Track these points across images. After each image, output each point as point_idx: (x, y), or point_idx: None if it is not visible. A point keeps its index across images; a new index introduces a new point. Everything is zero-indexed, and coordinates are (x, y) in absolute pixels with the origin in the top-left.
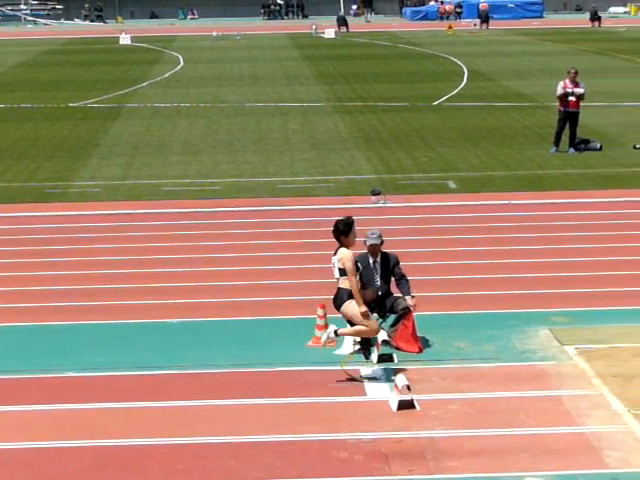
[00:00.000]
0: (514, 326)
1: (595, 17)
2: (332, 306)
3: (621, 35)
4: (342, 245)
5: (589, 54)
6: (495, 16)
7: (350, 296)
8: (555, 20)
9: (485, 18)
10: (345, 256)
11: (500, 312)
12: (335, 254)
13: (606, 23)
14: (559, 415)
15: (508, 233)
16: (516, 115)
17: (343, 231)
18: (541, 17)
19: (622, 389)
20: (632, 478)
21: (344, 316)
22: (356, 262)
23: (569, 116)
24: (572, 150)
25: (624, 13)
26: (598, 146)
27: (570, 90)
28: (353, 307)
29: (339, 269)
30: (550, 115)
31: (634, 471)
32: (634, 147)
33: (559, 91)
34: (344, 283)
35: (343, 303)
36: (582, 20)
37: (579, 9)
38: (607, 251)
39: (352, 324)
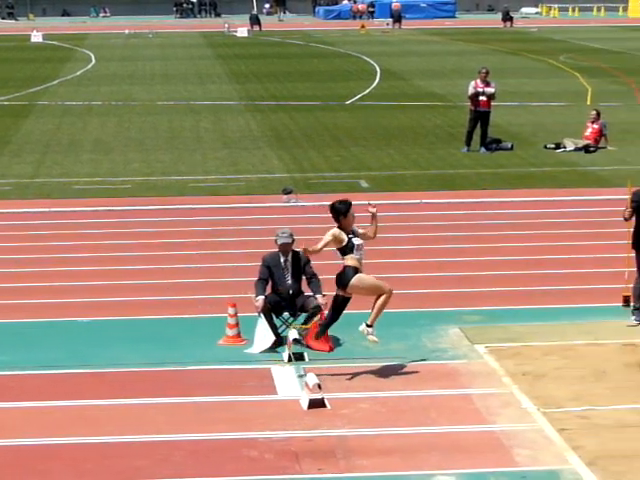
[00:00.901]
0: (424, 325)
1: (507, 17)
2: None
3: (533, 35)
4: (340, 226)
5: (501, 54)
6: (408, 16)
7: (355, 272)
8: (467, 20)
9: (398, 18)
10: (331, 231)
11: (410, 311)
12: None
13: (518, 23)
14: (469, 413)
15: (420, 232)
16: (428, 114)
17: (343, 212)
18: (453, 17)
19: (532, 387)
20: (541, 476)
21: (355, 291)
22: (340, 240)
23: (480, 116)
24: (483, 150)
25: (536, 14)
26: (509, 146)
27: (481, 90)
28: (363, 278)
29: (337, 249)
30: (462, 114)
31: (543, 469)
32: (545, 147)
33: (470, 91)
34: (350, 261)
35: (349, 280)
36: (494, 20)
37: (491, 9)
38: (517, 250)
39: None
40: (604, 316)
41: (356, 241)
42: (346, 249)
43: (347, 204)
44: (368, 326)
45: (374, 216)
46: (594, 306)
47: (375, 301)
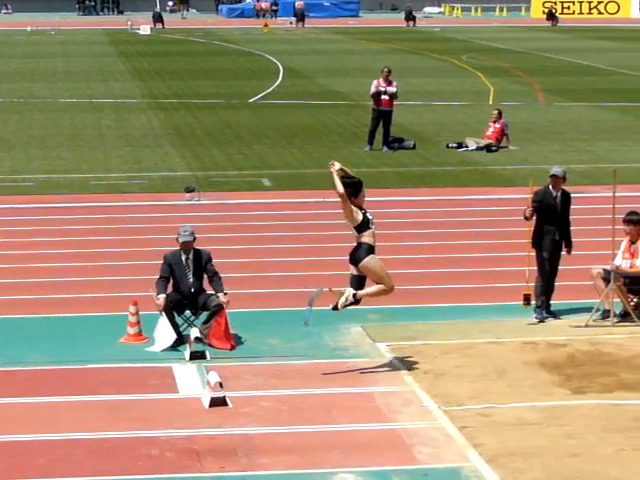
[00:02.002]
0: (327, 323)
1: (410, 17)
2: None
3: (436, 35)
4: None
5: (404, 53)
6: (311, 14)
7: (369, 252)
8: (371, 19)
9: (301, 16)
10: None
11: (314, 309)
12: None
13: (421, 23)
14: (371, 412)
15: (322, 231)
16: (331, 113)
17: (353, 192)
18: (357, 16)
19: (433, 385)
20: (442, 473)
21: (364, 271)
22: (356, 218)
23: (382, 115)
24: (386, 149)
25: (439, 13)
26: (412, 145)
27: (383, 89)
28: (375, 262)
29: (354, 227)
30: (364, 113)
31: (444, 466)
32: (447, 146)
33: (372, 90)
34: (366, 238)
35: (363, 258)
36: (397, 20)
37: (394, 9)
38: (419, 249)
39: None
40: (504, 315)
41: (369, 215)
42: (362, 226)
43: (359, 184)
44: (354, 296)
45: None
46: (495, 305)
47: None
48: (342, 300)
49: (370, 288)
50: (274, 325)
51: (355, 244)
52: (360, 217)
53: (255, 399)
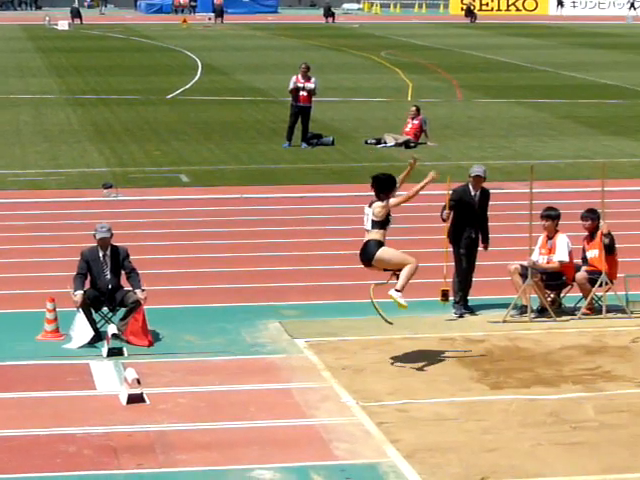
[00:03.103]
0: (244, 319)
1: (329, 13)
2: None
3: (354, 31)
4: (379, 200)
5: (323, 49)
6: (230, 10)
7: (379, 246)
8: (289, 15)
9: (220, 12)
10: (381, 205)
11: (230, 305)
12: (370, 206)
13: (340, 19)
14: (289, 408)
15: (240, 227)
16: (249, 109)
17: (389, 190)
18: (276, 12)
19: (351, 381)
20: (359, 469)
21: (379, 265)
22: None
23: (301, 111)
24: (304, 145)
25: (358, 10)
26: (330, 141)
27: (301, 85)
28: (387, 250)
29: (372, 221)
30: (283, 110)
31: (362, 462)
32: (366, 142)
33: (291, 86)
34: (373, 234)
35: (375, 252)
36: (316, 16)
37: (313, 5)
38: (336, 245)
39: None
40: (423, 310)
41: (390, 216)
42: (383, 223)
43: (394, 182)
44: (397, 291)
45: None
46: (412, 300)
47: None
48: (401, 302)
49: (402, 276)
50: (192, 321)
51: (364, 241)
52: (385, 214)
53: (173, 395)
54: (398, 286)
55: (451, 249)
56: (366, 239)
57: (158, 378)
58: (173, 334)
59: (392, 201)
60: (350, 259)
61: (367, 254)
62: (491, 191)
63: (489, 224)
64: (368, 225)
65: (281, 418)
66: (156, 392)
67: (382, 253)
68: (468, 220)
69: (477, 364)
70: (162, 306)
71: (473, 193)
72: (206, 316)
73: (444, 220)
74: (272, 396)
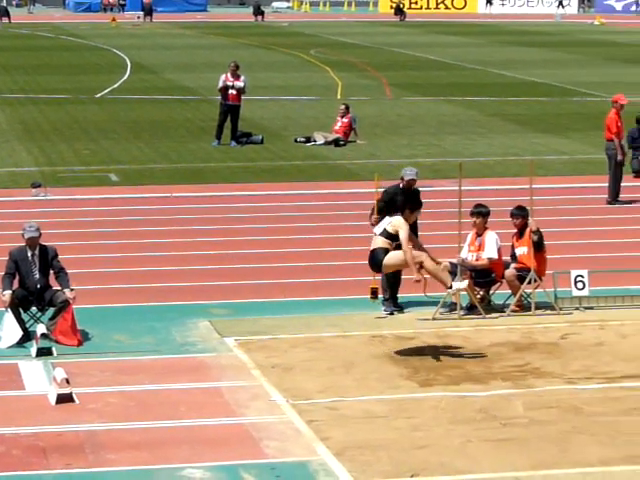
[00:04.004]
0: (174, 318)
1: (258, 11)
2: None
3: (284, 30)
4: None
5: (252, 48)
6: (159, 9)
7: (385, 253)
8: (219, 14)
9: (149, 11)
10: (401, 223)
11: (160, 304)
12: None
13: (269, 18)
14: (219, 407)
15: (169, 225)
16: (179, 108)
17: (415, 208)
18: (205, 11)
19: (281, 380)
20: (289, 467)
21: (392, 268)
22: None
23: (230, 109)
24: (234, 143)
25: (287, 8)
26: (260, 139)
27: (231, 83)
28: (393, 255)
29: (386, 230)
30: (212, 108)
31: (292, 460)
32: (295, 141)
33: (220, 84)
34: (379, 242)
35: (382, 260)
36: (246, 14)
37: (242, 3)
38: (266, 243)
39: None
40: (352, 308)
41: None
42: (394, 237)
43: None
44: (450, 287)
45: None
46: (342, 298)
47: (426, 272)
48: (462, 286)
49: (438, 277)
50: (121, 321)
51: (370, 249)
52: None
53: (102, 395)
54: (445, 285)
55: None
56: (372, 247)
57: (87, 378)
58: (102, 333)
59: (403, 234)
60: (281, 256)
61: (376, 263)
62: (420, 189)
63: (418, 222)
64: (378, 230)
65: (211, 417)
66: (85, 392)
67: (389, 259)
68: None
69: (407, 361)
70: (91, 305)
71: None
72: (136, 315)
73: (373, 226)
74: (202, 395)
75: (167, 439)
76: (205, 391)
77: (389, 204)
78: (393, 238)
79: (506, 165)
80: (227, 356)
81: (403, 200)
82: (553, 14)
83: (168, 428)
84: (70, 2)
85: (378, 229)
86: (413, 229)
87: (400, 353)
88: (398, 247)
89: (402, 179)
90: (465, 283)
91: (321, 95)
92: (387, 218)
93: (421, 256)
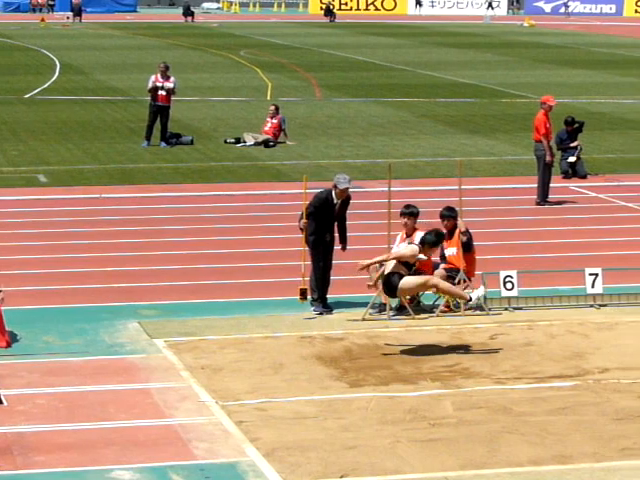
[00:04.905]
0: (103, 320)
1: (188, 12)
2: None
3: (214, 31)
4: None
5: (182, 49)
6: (88, 9)
7: (400, 278)
8: (149, 14)
9: (78, 11)
10: (414, 247)
11: (89, 306)
12: (407, 241)
13: (199, 18)
14: (148, 408)
15: (99, 227)
16: (108, 109)
17: (434, 242)
18: (135, 11)
19: (210, 381)
20: (218, 468)
21: (407, 292)
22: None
23: (160, 110)
24: (164, 144)
25: (217, 9)
26: (189, 140)
27: (160, 84)
28: (407, 279)
29: (402, 260)
30: (142, 109)
31: (221, 461)
32: (225, 141)
33: (150, 85)
34: (394, 267)
35: (397, 284)
36: (176, 15)
37: (172, 4)
38: (196, 244)
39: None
40: (282, 309)
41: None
42: (410, 265)
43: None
44: (470, 300)
45: None
46: (271, 299)
47: (442, 292)
48: (476, 295)
49: (453, 293)
50: (50, 322)
51: (385, 273)
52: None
53: (31, 397)
54: (464, 297)
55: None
56: (388, 271)
57: (16, 379)
58: (31, 335)
59: (404, 252)
60: (213, 257)
61: (391, 288)
62: (350, 190)
63: (347, 223)
64: (395, 248)
65: (140, 418)
66: (14, 393)
67: (404, 284)
68: (326, 225)
69: (337, 362)
70: (20, 307)
71: (335, 201)
72: (65, 317)
73: (302, 230)
74: (131, 396)
75: (96, 440)
76: (134, 392)
77: (319, 209)
78: (408, 266)
79: (435, 166)
80: (156, 357)
81: (335, 207)
82: (482, 16)
83: (97, 429)
84: None
85: (396, 247)
86: (341, 225)
87: (330, 354)
88: (416, 272)
89: (335, 187)
90: (482, 290)
91: (251, 96)
92: (404, 244)
93: (433, 279)
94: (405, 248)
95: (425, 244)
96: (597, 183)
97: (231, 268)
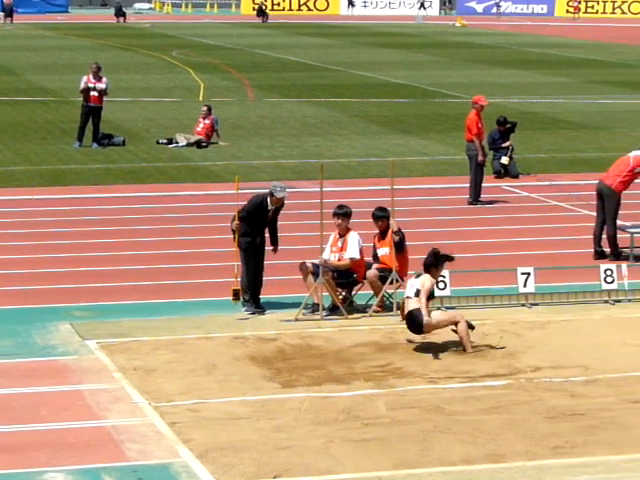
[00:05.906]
0: (35, 321)
1: (120, 13)
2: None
3: (146, 31)
4: (429, 272)
5: (114, 49)
6: (20, 10)
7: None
8: (80, 15)
9: (9, 12)
10: (429, 279)
11: (21, 307)
12: (417, 277)
13: (131, 19)
14: (80, 409)
15: (31, 228)
16: (39, 110)
17: (435, 264)
18: (66, 12)
19: (143, 382)
20: (151, 469)
21: (430, 328)
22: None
23: (92, 111)
24: (95, 145)
25: (149, 9)
26: (121, 141)
27: (92, 85)
28: (434, 314)
29: (417, 289)
30: (74, 110)
31: (154, 463)
32: (157, 142)
33: (82, 86)
34: (416, 303)
35: (422, 321)
36: (107, 15)
37: (104, 5)
38: (126, 245)
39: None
40: (215, 310)
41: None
42: (430, 296)
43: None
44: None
45: None
46: (204, 300)
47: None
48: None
49: (463, 340)
50: None
51: (407, 311)
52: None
53: None
54: (467, 349)
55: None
56: (409, 308)
57: None
58: None
59: (424, 291)
60: (142, 258)
61: (416, 325)
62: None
63: (279, 223)
64: (411, 292)
65: (72, 420)
66: None
67: (430, 321)
68: (258, 228)
69: (269, 363)
70: None
71: (270, 207)
72: None
73: (233, 231)
74: (63, 398)
75: (28, 443)
76: (66, 394)
77: (252, 214)
78: (429, 297)
79: (368, 166)
80: (88, 359)
81: (268, 213)
82: (415, 16)
83: (29, 432)
84: None
85: (410, 291)
86: (272, 229)
87: (262, 354)
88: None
89: (272, 194)
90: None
91: (183, 97)
92: (415, 280)
93: (457, 316)
94: (425, 284)
95: (431, 268)
96: (529, 183)
97: (164, 269)
